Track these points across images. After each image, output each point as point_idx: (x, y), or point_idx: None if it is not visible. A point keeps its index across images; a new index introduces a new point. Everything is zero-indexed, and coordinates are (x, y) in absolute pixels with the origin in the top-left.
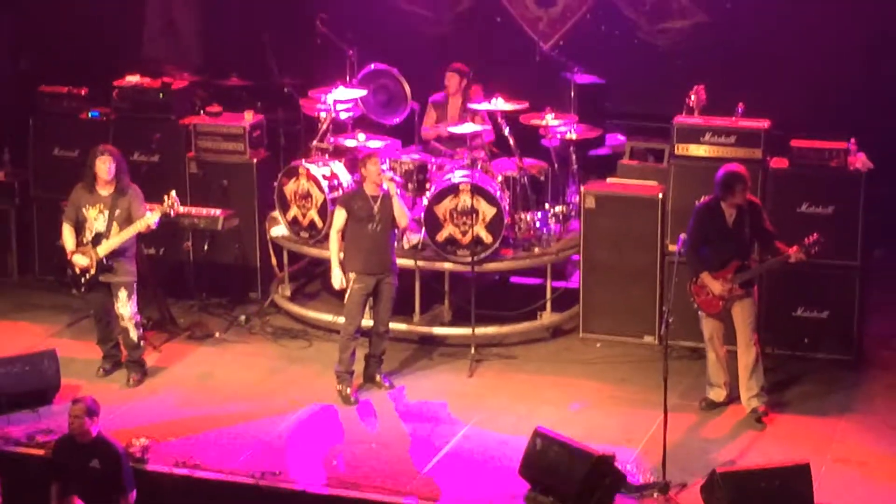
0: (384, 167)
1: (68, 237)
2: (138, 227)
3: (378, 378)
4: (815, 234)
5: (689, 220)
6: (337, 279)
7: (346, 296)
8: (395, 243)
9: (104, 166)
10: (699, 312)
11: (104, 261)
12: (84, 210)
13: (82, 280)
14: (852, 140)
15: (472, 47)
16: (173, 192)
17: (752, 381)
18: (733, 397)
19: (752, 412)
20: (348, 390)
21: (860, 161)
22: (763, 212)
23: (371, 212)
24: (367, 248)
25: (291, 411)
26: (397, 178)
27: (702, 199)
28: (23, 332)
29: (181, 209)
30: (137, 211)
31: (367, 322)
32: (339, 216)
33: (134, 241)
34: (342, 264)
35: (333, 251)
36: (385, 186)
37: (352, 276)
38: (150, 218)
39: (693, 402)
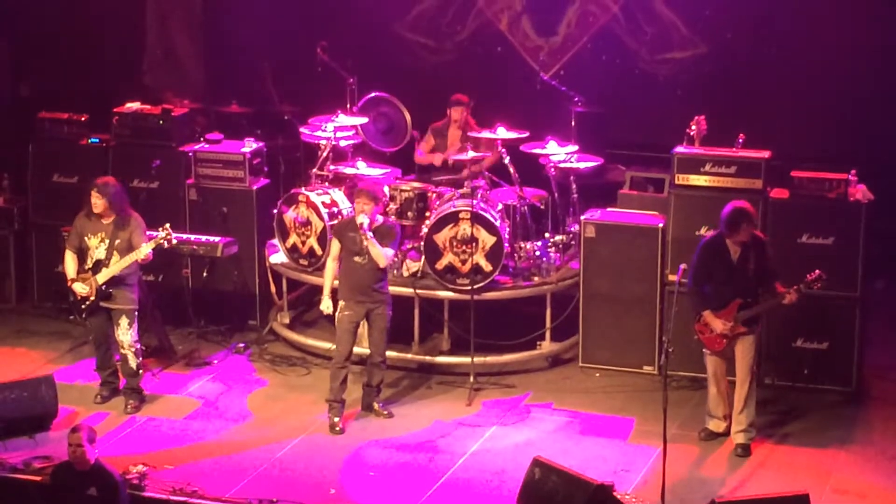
0: (366, 222)
1: (70, 264)
2: (133, 257)
3: (376, 406)
4: (817, 271)
5: (689, 250)
6: (324, 304)
7: (336, 323)
8: (389, 273)
9: (94, 201)
10: (703, 349)
11: (103, 288)
12: (86, 238)
13: (82, 307)
14: (853, 171)
15: (473, 76)
16: (167, 225)
17: (742, 415)
18: None
19: (737, 446)
20: (336, 419)
21: (861, 192)
22: (768, 248)
23: (360, 243)
24: (355, 278)
25: (289, 439)
26: (369, 233)
27: (706, 235)
28: (21, 359)
29: (174, 241)
30: (138, 240)
31: (361, 350)
32: (334, 245)
33: (136, 269)
34: (336, 291)
35: (327, 277)
36: (363, 229)
37: (341, 303)
38: (143, 249)
39: (692, 433)
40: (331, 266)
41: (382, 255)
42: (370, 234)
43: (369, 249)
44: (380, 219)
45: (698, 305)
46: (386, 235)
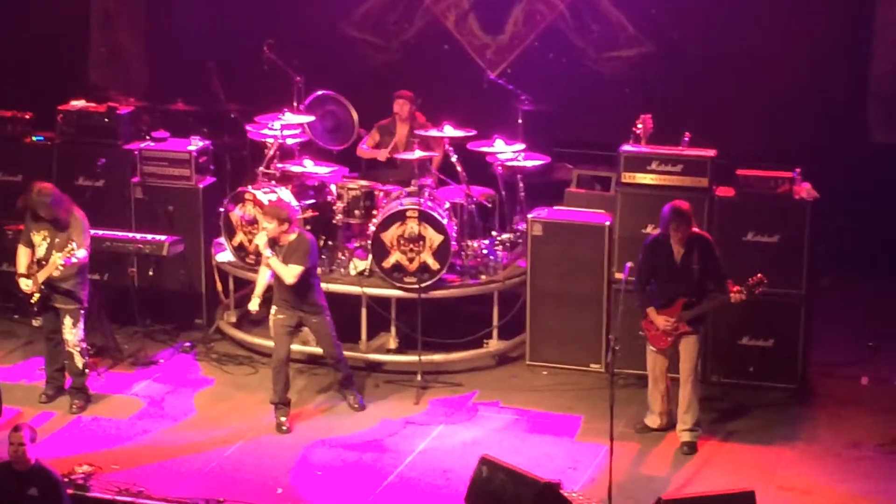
0: (262, 241)
1: (21, 259)
2: (50, 269)
3: (350, 398)
4: (759, 275)
5: (636, 248)
6: (252, 304)
7: (270, 326)
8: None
9: (42, 212)
10: (648, 345)
11: (43, 287)
12: (32, 235)
13: (31, 301)
14: (797, 169)
15: (420, 74)
16: (74, 244)
17: (687, 415)
18: (671, 425)
19: (682, 444)
20: (282, 419)
21: (805, 190)
22: (714, 248)
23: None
24: (282, 287)
25: (236, 438)
26: (266, 252)
27: (651, 234)
28: None
29: (74, 261)
30: (78, 240)
31: (303, 348)
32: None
33: (81, 269)
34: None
35: (259, 279)
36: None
37: (273, 307)
38: (56, 260)
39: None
40: (263, 271)
41: (286, 272)
42: (268, 252)
43: (272, 268)
44: (294, 234)
45: (643, 303)
46: (294, 251)
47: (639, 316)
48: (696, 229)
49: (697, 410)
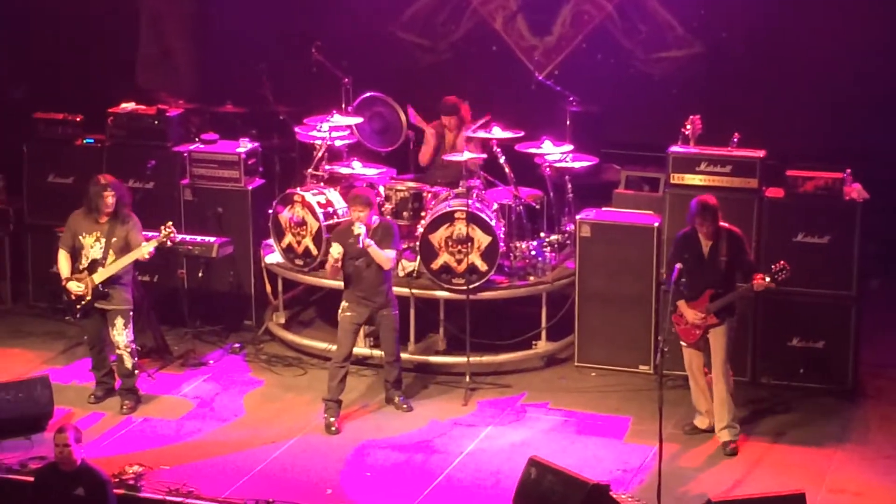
0: (362, 231)
1: (64, 264)
2: (135, 255)
3: (396, 400)
4: (781, 262)
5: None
6: (334, 248)
7: (338, 322)
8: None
9: (109, 200)
10: (680, 341)
11: (100, 288)
12: (81, 237)
13: (77, 307)
14: (848, 170)
15: (467, 76)
16: (170, 223)
17: (723, 411)
18: None
19: (723, 444)
20: (332, 419)
21: (856, 191)
22: (744, 243)
23: (359, 249)
24: (355, 282)
25: (286, 439)
26: (367, 241)
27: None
28: (16, 359)
29: (177, 238)
30: (136, 239)
31: (360, 350)
32: (335, 249)
33: (130, 269)
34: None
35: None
36: (360, 240)
37: (344, 304)
38: (146, 247)
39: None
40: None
41: (385, 258)
42: (369, 241)
43: (372, 257)
44: (375, 220)
45: (674, 297)
46: (385, 237)
47: (670, 310)
48: (724, 224)
49: (732, 406)
